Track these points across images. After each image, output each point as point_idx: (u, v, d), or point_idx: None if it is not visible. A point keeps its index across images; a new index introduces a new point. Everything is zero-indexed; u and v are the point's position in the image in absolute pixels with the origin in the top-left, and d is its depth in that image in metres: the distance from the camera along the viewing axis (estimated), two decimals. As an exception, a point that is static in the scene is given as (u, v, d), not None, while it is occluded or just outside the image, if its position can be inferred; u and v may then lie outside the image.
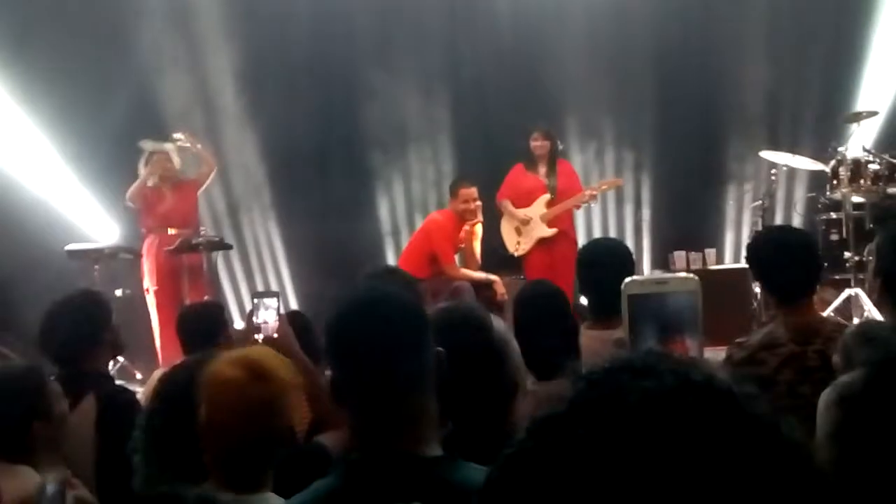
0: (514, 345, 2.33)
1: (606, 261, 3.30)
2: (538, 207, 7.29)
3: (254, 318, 3.12)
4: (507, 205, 7.40)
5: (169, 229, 7.28)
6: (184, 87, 8.25)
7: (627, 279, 1.93)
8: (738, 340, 3.13)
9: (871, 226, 6.74)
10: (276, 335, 3.03)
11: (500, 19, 8.39)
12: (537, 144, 7.29)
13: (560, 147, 7.47)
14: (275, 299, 3.17)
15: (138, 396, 3.48)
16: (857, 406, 1.22)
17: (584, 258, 3.49)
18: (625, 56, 8.32)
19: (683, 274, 1.79)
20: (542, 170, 7.35)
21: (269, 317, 3.13)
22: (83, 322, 3.32)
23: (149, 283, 7.25)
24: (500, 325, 2.30)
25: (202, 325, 4.02)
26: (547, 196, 7.28)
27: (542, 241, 7.26)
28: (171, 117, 8.12)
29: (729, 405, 0.70)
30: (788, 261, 2.74)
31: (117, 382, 3.98)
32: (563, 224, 7.35)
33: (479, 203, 7.05)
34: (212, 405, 2.14)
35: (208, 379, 2.16)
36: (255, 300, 3.20)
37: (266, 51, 8.48)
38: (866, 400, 1.21)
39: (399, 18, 8.41)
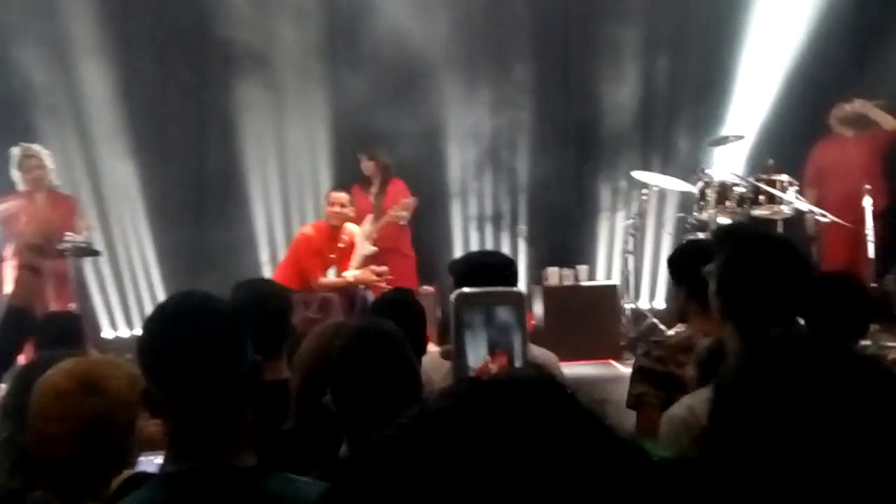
0: None
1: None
2: (364, 226, 7.38)
3: None
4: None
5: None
6: (46, 67, 7.86)
7: (456, 291, 1.95)
8: (654, 339, 3.45)
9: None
10: None
11: (375, 23, 8.24)
12: (363, 165, 7.55)
13: (388, 163, 7.54)
14: None
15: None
16: (730, 392, 1.26)
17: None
18: (501, 71, 8.39)
19: (513, 288, 1.83)
20: (374, 190, 7.54)
21: None
22: None
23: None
24: None
25: (55, 336, 3.92)
26: (371, 216, 7.40)
27: (370, 259, 7.27)
28: (32, 103, 7.82)
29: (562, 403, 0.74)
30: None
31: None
32: (394, 241, 7.44)
33: (344, 208, 7.07)
34: (38, 416, 2.08)
35: (39, 388, 2.10)
36: None
37: (137, 33, 8.21)
38: (740, 384, 1.26)
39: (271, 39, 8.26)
